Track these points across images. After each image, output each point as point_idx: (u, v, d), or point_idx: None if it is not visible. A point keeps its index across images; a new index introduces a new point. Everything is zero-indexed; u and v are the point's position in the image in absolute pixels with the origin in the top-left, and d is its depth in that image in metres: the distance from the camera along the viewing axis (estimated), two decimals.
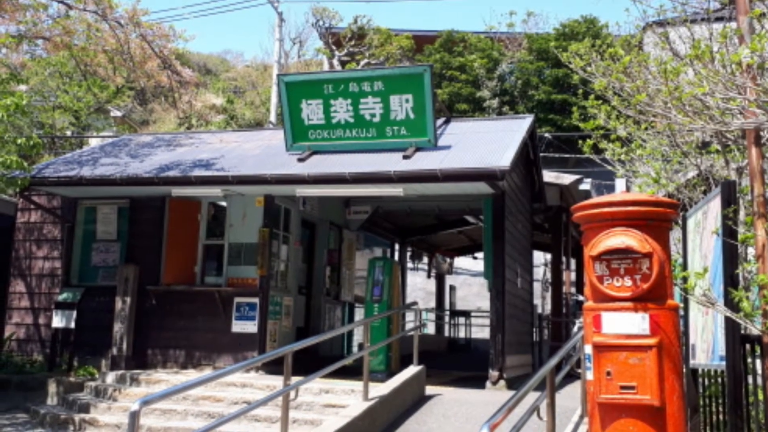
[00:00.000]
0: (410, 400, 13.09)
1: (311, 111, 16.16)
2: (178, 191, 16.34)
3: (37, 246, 18.50)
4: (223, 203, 17.03)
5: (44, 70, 30.53)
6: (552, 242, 22.63)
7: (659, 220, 6.04)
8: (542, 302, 31.73)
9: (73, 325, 16.93)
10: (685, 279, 6.36)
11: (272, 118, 34.32)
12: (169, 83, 22.40)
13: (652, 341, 5.78)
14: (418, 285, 36.80)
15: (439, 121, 17.31)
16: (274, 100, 34.42)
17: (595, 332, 6.01)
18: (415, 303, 17.24)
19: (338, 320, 21.04)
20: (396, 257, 26.38)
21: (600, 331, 5.98)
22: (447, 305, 34.30)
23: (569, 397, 11.97)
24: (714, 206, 6.38)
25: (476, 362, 20.20)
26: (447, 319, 31.89)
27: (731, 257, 5.96)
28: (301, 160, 16.00)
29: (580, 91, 10.53)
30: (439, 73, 37.51)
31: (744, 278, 6.56)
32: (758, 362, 6.04)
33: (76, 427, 13.37)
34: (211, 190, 16.12)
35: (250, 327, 15.86)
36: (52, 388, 16.07)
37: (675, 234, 7.75)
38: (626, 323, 5.88)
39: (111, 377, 15.46)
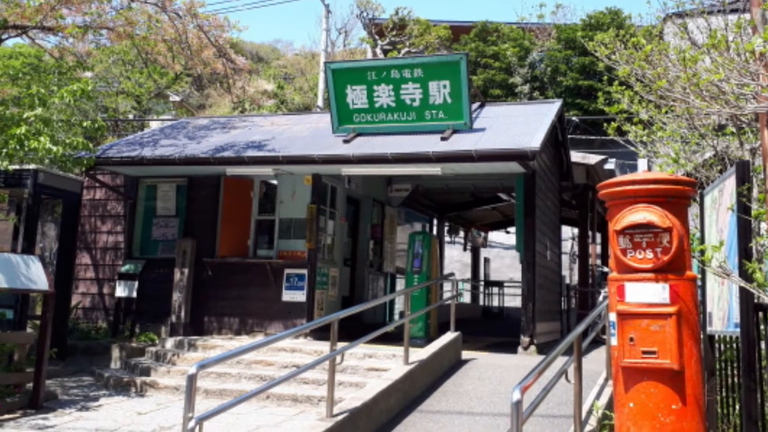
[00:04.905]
0: (447, 364, 13.17)
1: (356, 96, 16.21)
2: (232, 170, 16.46)
3: (101, 221, 18.71)
4: (274, 181, 17.13)
5: (108, 59, 30.86)
6: (579, 218, 22.55)
7: (678, 197, 6.05)
8: (570, 273, 31.71)
9: (134, 294, 17.16)
10: (702, 252, 6.37)
11: (319, 102, 34.44)
12: (223, 70, 22.44)
13: (671, 309, 5.79)
14: (455, 257, 36.82)
15: (474, 106, 17.31)
16: (321, 86, 34.54)
17: (619, 301, 6.03)
18: (452, 274, 17.28)
19: (381, 290, 21.15)
20: (434, 231, 26.42)
21: (623, 300, 5.99)
22: (482, 276, 34.29)
23: (595, 361, 11.96)
24: (729, 184, 6.37)
25: (509, 329, 20.24)
26: (481, 289, 31.81)
27: (745, 232, 5.95)
28: (346, 141, 16.07)
29: (605, 77, 10.47)
30: (474, 61, 37.36)
31: (757, 251, 6.55)
32: None
33: (137, 389, 13.54)
34: (263, 169, 16.24)
35: (299, 296, 15.99)
36: (115, 353, 16.30)
37: (693, 210, 7.76)
38: (648, 293, 5.89)
39: (170, 343, 15.64)
